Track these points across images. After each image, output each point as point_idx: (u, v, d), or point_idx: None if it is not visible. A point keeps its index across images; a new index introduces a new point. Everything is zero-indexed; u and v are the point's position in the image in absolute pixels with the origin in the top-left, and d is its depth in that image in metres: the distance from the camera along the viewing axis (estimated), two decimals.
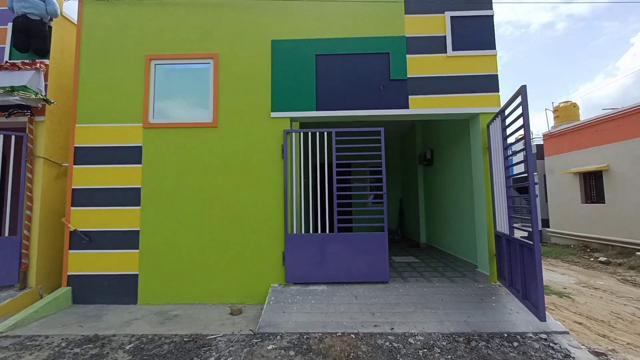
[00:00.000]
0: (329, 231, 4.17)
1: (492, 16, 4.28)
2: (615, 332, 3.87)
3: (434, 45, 4.27)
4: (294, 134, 4.20)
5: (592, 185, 11.75)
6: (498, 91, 4.20)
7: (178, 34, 4.38)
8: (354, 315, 3.32)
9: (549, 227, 12.08)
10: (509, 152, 3.42)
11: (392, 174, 9.10)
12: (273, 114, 4.23)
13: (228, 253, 4.11)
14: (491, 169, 3.95)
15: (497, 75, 4.22)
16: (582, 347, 2.91)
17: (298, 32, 4.34)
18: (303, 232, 4.12)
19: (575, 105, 12.64)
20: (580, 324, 4.13)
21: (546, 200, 12.45)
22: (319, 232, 4.12)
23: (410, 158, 7.84)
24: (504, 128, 3.42)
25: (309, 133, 4.21)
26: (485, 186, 4.10)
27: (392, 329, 3.09)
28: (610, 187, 10.94)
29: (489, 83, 4.21)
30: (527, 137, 2.71)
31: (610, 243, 10.22)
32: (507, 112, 3.27)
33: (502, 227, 3.71)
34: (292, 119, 4.31)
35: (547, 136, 12.35)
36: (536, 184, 2.81)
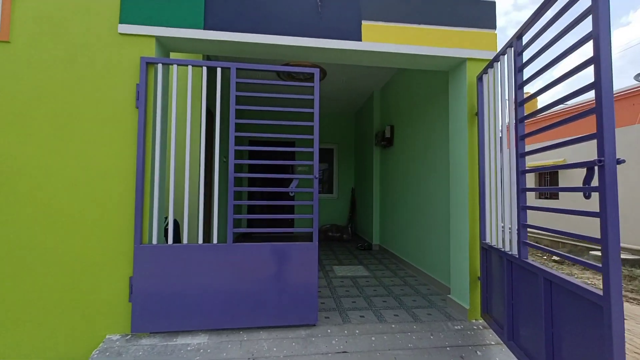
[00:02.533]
0: (219, 240, 2.44)
1: None
2: None
3: None
4: (160, 66, 2.35)
5: (547, 181, 11.45)
6: (495, 27, 2.75)
7: None
8: None
9: None
10: (523, 111, 1.95)
11: (345, 158, 7.59)
12: (123, 28, 2.33)
13: (19, 281, 2.20)
14: (482, 146, 2.52)
15: (494, 2, 2.76)
16: None
17: None
18: (171, 241, 2.35)
19: (535, 100, 12.27)
20: None
21: None
22: (200, 241, 2.37)
23: (366, 138, 6.35)
24: (519, 68, 1.93)
25: (190, 68, 2.39)
26: (470, 172, 2.66)
27: None
28: (565, 183, 10.64)
29: (483, 13, 2.74)
30: (603, 59, 1.21)
31: (561, 240, 9.89)
32: (531, 31, 1.77)
33: (497, 238, 2.30)
34: (160, 41, 2.44)
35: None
36: (621, 161, 1.25)
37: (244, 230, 2.52)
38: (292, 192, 2.47)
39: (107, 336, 2.25)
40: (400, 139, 4.70)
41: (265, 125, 2.84)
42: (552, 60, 1.50)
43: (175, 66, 2.37)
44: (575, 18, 1.34)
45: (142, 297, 2.25)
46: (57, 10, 2.30)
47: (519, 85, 1.94)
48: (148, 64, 2.33)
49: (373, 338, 2.33)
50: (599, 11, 1.23)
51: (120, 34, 2.33)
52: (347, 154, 7.59)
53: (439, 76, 3.49)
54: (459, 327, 2.50)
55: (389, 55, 2.67)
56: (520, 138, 1.93)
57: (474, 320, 2.60)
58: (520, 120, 1.93)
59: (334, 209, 7.41)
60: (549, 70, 1.69)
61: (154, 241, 2.30)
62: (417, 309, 2.86)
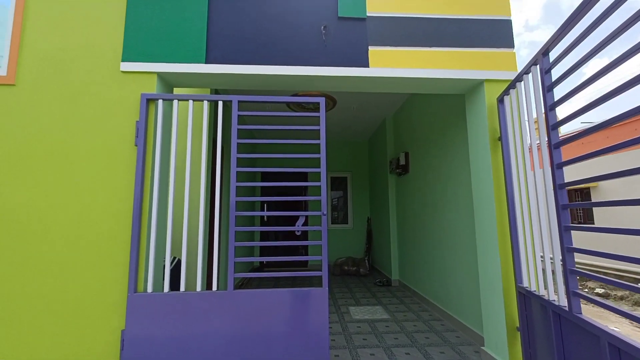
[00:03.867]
0: (219, 287, 2.22)
1: None
2: None
3: None
4: (161, 102, 2.28)
5: (577, 209, 10.70)
6: (513, 46, 2.56)
7: None
8: None
9: None
10: (557, 136, 1.70)
11: (360, 186, 7.34)
12: (125, 66, 2.31)
13: (9, 337, 2.03)
14: (508, 174, 2.25)
15: (510, 20, 2.60)
16: None
17: None
18: (167, 289, 2.14)
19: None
20: None
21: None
22: (199, 288, 2.16)
23: (380, 165, 6.13)
24: (549, 87, 1.71)
25: (191, 103, 2.31)
26: (497, 203, 2.37)
27: None
28: (600, 213, 9.86)
29: (499, 32, 2.57)
30: None
31: (602, 270, 8.98)
32: (561, 45, 1.57)
33: (537, 283, 1.96)
34: (162, 77, 2.40)
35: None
36: None
37: (250, 275, 2.29)
38: (298, 232, 2.25)
39: None
40: (417, 166, 4.45)
41: (274, 159, 2.70)
42: (600, 71, 1.26)
43: (176, 102, 2.30)
44: (630, 17, 1.11)
45: (134, 353, 2.01)
46: (62, 51, 2.31)
47: (550, 106, 1.70)
48: (149, 101, 2.27)
49: None
50: None
51: (123, 71, 2.31)
52: (362, 182, 7.35)
53: (455, 99, 3.30)
54: None
55: (399, 81, 2.52)
56: (557, 166, 1.66)
57: None
58: (555, 145, 1.67)
59: (350, 240, 7.06)
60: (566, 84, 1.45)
61: (149, 289, 2.10)
62: None
